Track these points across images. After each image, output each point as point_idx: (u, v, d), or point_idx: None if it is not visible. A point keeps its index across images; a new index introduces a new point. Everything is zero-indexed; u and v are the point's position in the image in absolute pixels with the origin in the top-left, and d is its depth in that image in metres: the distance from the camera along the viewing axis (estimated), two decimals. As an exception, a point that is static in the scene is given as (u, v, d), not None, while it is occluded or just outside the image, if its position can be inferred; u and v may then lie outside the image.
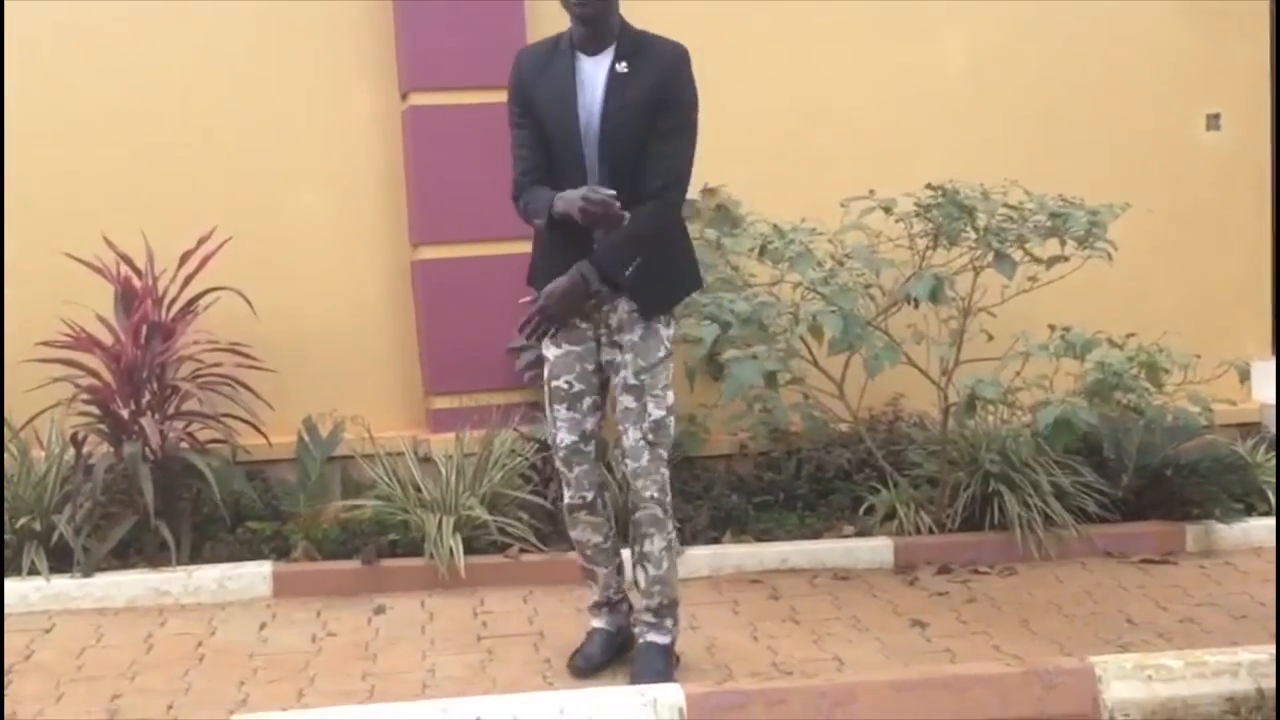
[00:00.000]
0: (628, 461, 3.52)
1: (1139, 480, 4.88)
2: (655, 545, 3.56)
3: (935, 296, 4.46)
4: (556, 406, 3.58)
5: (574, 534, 3.73)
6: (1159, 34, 5.62)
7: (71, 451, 4.50)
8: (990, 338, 4.76)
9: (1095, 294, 5.01)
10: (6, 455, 4.53)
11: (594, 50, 3.43)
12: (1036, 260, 4.67)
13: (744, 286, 4.77)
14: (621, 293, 3.45)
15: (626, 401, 3.50)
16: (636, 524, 3.58)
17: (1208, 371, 4.53)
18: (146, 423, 4.44)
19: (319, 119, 5.13)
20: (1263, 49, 5.72)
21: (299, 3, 5.07)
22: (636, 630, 3.70)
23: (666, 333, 3.54)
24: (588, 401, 3.58)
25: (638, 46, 3.42)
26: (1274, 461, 5.07)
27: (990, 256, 4.59)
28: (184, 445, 4.63)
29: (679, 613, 3.70)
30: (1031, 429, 4.50)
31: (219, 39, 5.04)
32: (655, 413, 3.50)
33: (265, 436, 4.78)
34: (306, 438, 4.94)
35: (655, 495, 3.52)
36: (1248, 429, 5.45)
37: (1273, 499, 4.93)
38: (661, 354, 3.52)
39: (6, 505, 4.42)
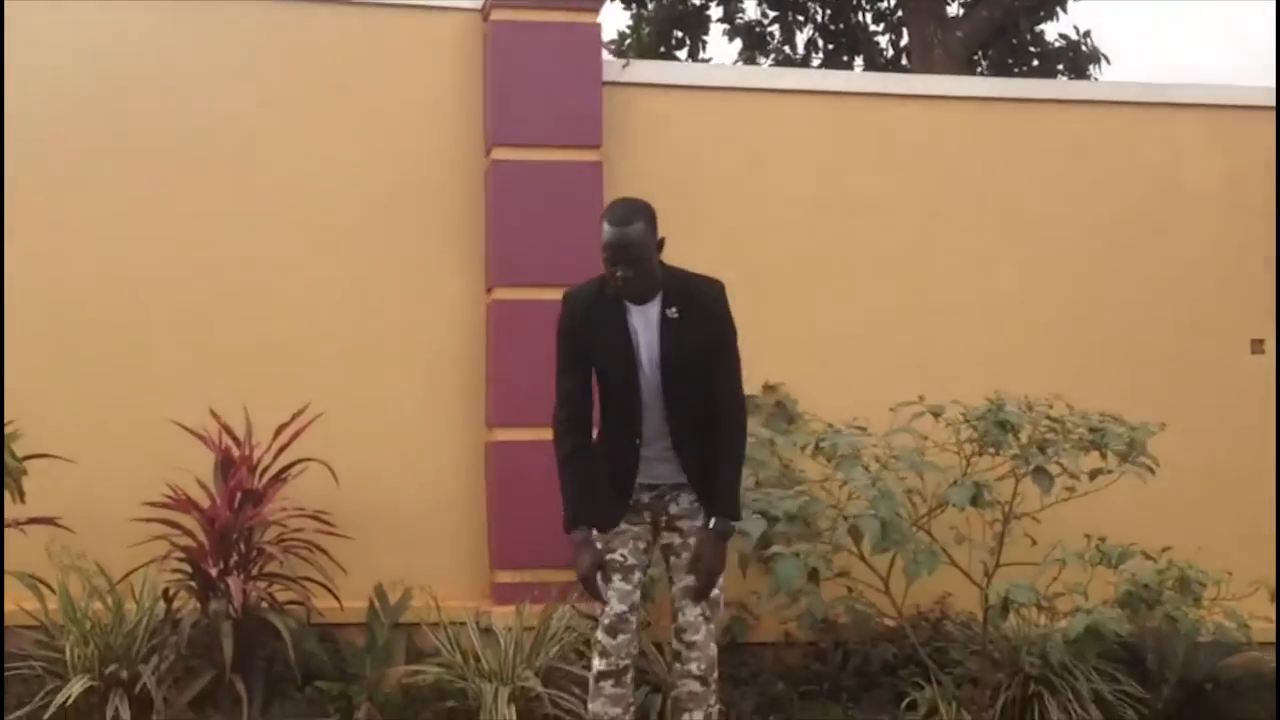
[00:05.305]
0: (686, 635, 3.76)
1: (1180, 692, 4.96)
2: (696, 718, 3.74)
3: (975, 503, 4.68)
4: (612, 576, 3.82)
5: (593, 706, 3.81)
6: (1205, 261, 5.94)
7: (161, 605, 4.85)
8: (1034, 542, 4.95)
9: (1139, 503, 5.19)
10: (100, 604, 4.86)
11: (641, 300, 3.76)
12: (1073, 476, 4.89)
13: (794, 484, 5.03)
14: (685, 489, 3.80)
15: (688, 580, 3.77)
16: (677, 700, 3.79)
17: (1240, 588, 4.65)
18: (233, 582, 4.78)
19: (410, 307, 5.58)
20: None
21: (398, 202, 5.60)
22: None
23: None
24: (637, 576, 3.84)
25: (683, 291, 3.76)
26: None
27: (1031, 468, 4.81)
28: (264, 605, 4.95)
29: None
30: (1064, 635, 4.63)
31: (328, 234, 5.55)
32: (713, 591, 3.77)
33: (338, 600, 5.10)
34: (377, 604, 5.24)
35: (701, 671, 3.73)
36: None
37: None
38: None
39: (100, 653, 4.71)
